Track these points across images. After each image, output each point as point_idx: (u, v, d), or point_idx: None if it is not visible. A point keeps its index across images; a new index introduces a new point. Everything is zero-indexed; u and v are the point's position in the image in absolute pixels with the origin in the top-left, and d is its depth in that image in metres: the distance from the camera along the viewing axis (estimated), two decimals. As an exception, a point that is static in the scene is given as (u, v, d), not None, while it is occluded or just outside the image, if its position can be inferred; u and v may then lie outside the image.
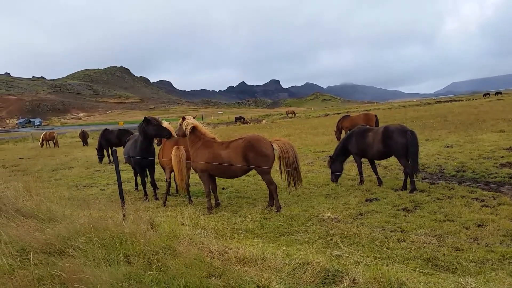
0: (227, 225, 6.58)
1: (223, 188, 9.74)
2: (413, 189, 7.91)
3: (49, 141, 30.11)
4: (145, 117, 8.87)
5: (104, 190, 10.94)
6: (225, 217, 7.17)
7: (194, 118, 8.15)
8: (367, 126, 9.66)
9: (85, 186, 11.86)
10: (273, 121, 49.06)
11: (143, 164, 9.18)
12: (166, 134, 8.71)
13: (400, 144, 8.01)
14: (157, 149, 9.42)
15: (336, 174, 9.22)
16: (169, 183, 8.77)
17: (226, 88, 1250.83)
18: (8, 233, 4.69)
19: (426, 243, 5.12)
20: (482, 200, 6.98)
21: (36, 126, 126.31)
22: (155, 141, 9.34)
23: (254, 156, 7.21)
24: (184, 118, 7.99)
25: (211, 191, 7.97)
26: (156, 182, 9.93)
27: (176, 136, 8.45)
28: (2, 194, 6.55)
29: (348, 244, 5.31)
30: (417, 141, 8.12)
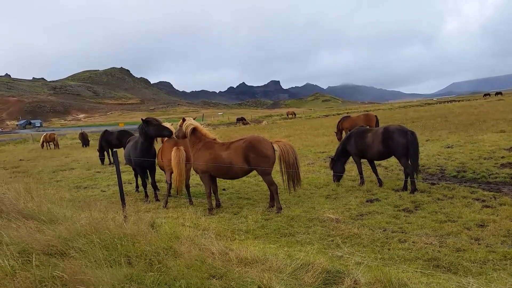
0: (228, 226, 6.58)
1: (223, 189, 9.73)
2: (414, 189, 7.91)
3: (50, 143, 30.14)
4: (144, 119, 8.79)
5: (104, 191, 10.94)
6: (226, 218, 7.16)
7: (194, 119, 8.14)
8: (366, 127, 9.68)
9: (86, 187, 11.85)
10: (273, 122, 49.13)
11: (144, 166, 9.17)
12: (167, 132, 8.61)
13: (401, 145, 8.01)
14: (157, 150, 9.42)
15: (338, 175, 9.25)
16: (170, 184, 8.75)
17: (226, 89, 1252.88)
18: (9, 235, 4.70)
19: (427, 243, 5.11)
20: (483, 201, 6.97)
21: (37, 128, 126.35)
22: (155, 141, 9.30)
23: (255, 157, 7.21)
24: (184, 120, 7.97)
25: (212, 192, 7.97)
26: (157, 183, 9.93)
27: (176, 138, 8.41)
28: (3, 196, 6.55)
29: (349, 245, 5.31)
30: (417, 141, 8.12)
